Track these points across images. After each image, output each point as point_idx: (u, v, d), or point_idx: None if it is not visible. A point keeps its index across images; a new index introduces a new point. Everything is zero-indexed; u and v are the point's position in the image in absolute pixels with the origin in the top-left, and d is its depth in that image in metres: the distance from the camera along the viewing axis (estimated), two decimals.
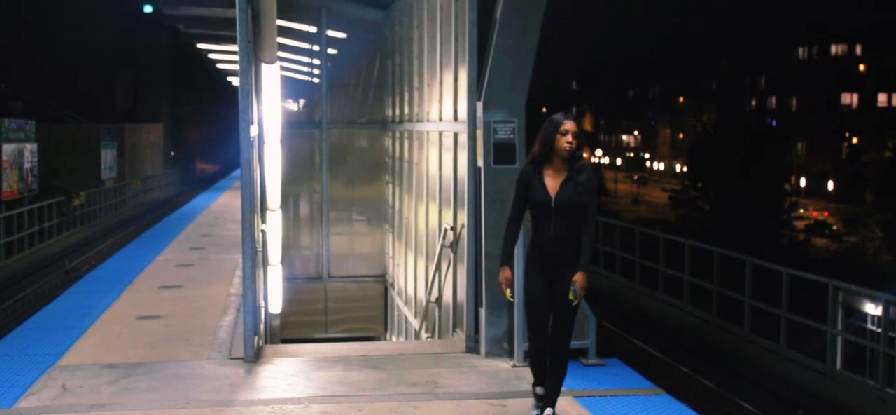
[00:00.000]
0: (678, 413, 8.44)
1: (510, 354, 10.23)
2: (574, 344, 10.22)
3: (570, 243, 7.35)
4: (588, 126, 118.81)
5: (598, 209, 7.65)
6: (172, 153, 78.53)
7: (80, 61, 63.13)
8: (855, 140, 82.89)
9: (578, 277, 7.29)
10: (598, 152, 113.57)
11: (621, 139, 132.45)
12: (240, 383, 9.41)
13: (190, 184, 68.91)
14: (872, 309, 16.65)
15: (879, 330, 15.43)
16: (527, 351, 10.06)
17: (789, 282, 17.34)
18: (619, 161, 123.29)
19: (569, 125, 7.36)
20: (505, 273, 7.54)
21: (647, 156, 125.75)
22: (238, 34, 10.21)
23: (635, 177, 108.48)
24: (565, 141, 7.32)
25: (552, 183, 7.37)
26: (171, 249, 20.90)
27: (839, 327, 16.39)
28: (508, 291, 7.55)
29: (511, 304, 10.19)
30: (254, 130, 12.17)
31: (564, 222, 7.33)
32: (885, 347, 14.87)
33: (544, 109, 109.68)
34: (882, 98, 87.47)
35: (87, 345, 11.13)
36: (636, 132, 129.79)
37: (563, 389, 9.14)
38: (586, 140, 7.61)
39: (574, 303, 7.32)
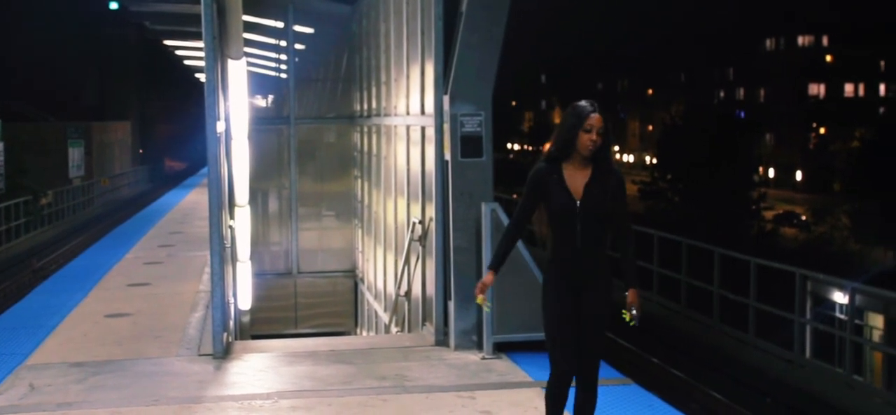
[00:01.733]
0: (647, 403, 8.49)
1: (479, 346, 10.26)
2: (543, 336, 10.30)
3: (599, 254, 6.35)
4: (557, 119, 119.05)
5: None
6: (141, 151, 78.13)
7: (46, 59, 62.75)
8: (822, 130, 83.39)
9: (634, 296, 6.41)
10: None
11: None
12: (209, 380, 9.39)
13: (158, 181, 68.58)
14: (841, 298, 16.78)
15: (846, 318, 15.54)
16: (496, 343, 10.12)
17: (757, 272, 17.43)
18: None
19: (594, 120, 6.22)
20: (487, 279, 6.50)
21: (616, 148, 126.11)
22: (203, 30, 10.20)
23: None
24: (589, 139, 6.21)
25: (575, 184, 6.27)
26: (139, 246, 20.84)
27: (808, 315, 16.49)
28: (481, 296, 6.46)
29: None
30: (221, 127, 12.13)
31: (592, 230, 6.26)
32: (851, 334, 14.98)
33: (513, 103, 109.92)
34: (849, 88, 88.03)
35: (54, 344, 11.08)
36: None
37: (530, 379, 9.21)
38: (613, 137, 6.47)
39: (632, 324, 6.39)
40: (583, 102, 6.32)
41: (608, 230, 6.37)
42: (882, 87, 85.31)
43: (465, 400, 8.50)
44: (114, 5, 33.57)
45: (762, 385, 16.00)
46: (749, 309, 17.18)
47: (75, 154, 53.11)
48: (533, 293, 10.20)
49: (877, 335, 18.18)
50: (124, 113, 71.51)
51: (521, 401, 8.43)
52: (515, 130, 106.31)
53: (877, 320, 18.37)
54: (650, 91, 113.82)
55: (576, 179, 6.27)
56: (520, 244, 10.15)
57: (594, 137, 6.20)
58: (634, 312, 6.34)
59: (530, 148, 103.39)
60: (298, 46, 19.10)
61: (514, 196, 39.52)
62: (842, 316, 16.34)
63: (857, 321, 16.97)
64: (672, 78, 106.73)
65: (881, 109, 72.46)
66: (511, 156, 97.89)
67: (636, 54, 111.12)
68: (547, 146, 6.46)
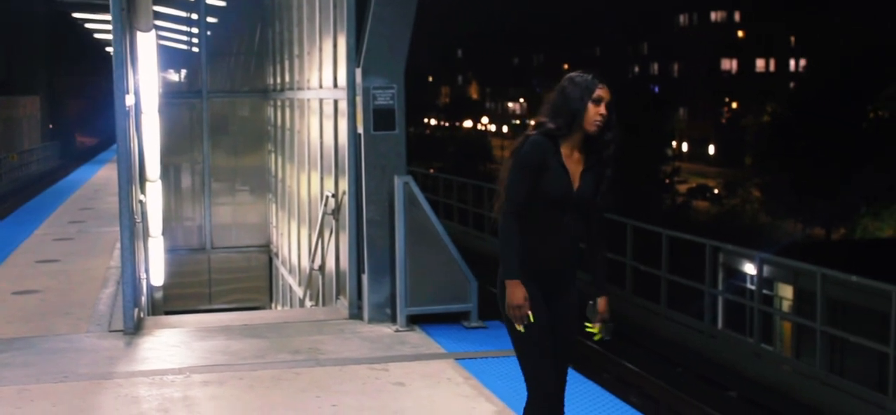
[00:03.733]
0: None
1: (393, 319, 10.30)
2: (456, 308, 10.37)
3: (577, 253, 5.39)
4: (474, 94, 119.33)
5: None
6: (50, 126, 76.71)
7: None
8: (734, 105, 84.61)
9: (605, 306, 5.47)
10: (484, 120, 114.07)
11: (507, 107, 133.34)
12: (119, 356, 9.28)
13: (69, 157, 67.37)
14: (752, 269, 17.06)
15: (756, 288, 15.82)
16: (410, 316, 10.15)
17: (670, 244, 17.63)
18: (505, 128, 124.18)
19: (603, 92, 5.33)
20: (519, 290, 5.18)
21: (532, 123, 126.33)
22: (111, 1, 10.05)
23: None
24: (598, 112, 5.28)
25: (572, 169, 5.31)
26: (49, 222, 20.49)
27: (720, 287, 16.72)
28: (530, 313, 5.19)
29: (393, 268, 10.24)
30: (130, 100, 11.97)
31: (579, 224, 5.32)
32: (759, 304, 15.27)
33: (430, 78, 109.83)
34: (760, 64, 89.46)
35: None
36: (522, 99, 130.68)
37: (443, 351, 9.26)
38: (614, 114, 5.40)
39: (598, 338, 5.49)
40: (581, 74, 5.50)
41: (585, 225, 5.42)
42: (792, 63, 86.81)
43: (378, 372, 8.51)
44: None
45: (674, 356, 16.24)
46: (661, 281, 17.39)
47: None
48: (446, 266, 10.28)
49: (786, 305, 18.54)
50: (33, 87, 70.08)
51: (434, 372, 8.48)
52: (432, 105, 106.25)
53: (786, 291, 18.73)
54: (566, 66, 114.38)
55: (571, 163, 5.31)
56: (432, 215, 10.20)
57: (603, 110, 5.27)
58: (611, 324, 5.46)
59: (447, 123, 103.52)
60: (211, 19, 18.88)
61: (431, 171, 39.57)
62: (752, 287, 16.62)
63: (767, 292, 17.27)
64: (587, 53, 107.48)
65: (791, 84, 73.62)
66: (427, 131, 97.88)
67: (551, 29, 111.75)
68: (533, 123, 5.52)
